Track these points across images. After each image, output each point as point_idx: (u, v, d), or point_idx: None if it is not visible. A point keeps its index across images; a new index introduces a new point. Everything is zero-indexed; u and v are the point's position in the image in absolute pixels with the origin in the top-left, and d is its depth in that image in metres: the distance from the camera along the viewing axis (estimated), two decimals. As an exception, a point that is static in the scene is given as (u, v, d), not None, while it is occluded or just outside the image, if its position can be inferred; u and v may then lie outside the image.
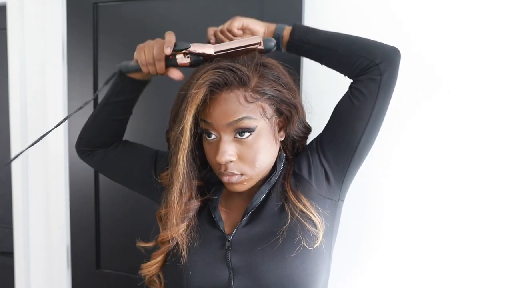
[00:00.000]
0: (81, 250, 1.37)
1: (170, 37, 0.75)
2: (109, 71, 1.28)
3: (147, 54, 0.76)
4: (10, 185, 1.48)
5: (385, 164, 1.03)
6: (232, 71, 0.67)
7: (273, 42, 0.75)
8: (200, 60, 0.76)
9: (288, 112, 0.73)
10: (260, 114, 0.69)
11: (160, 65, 0.76)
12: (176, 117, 0.71)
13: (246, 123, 0.68)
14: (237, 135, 0.69)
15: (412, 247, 1.02)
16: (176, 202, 0.72)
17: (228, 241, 0.73)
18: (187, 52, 0.75)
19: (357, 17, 1.02)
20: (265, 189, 0.76)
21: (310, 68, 1.04)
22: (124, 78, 0.84)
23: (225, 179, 0.72)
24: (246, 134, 0.69)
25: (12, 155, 1.45)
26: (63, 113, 1.35)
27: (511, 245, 0.95)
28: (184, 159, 0.69)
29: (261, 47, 0.74)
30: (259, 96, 0.69)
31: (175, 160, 0.70)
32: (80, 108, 0.84)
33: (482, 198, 0.96)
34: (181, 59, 0.76)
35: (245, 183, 0.73)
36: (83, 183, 1.33)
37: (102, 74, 1.29)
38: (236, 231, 0.73)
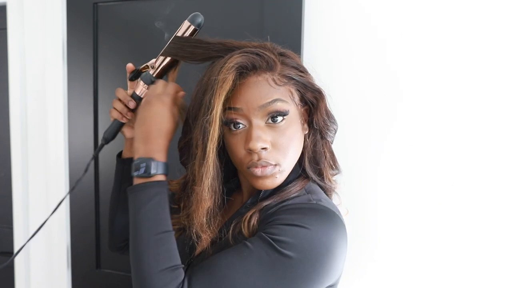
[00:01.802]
0: (81, 250, 1.37)
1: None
2: (109, 71, 1.28)
3: (115, 105, 0.80)
4: (10, 185, 1.48)
5: (379, 166, 1.03)
6: (258, 55, 0.63)
7: (199, 17, 0.74)
8: (153, 79, 0.78)
9: (313, 99, 0.69)
10: (290, 98, 0.65)
11: (132, 103, 0.79)
12: (198, 111, 0.65)
13: (280, 106, 0.63)
14: (269, 120, 0.64)
15: (409, 250, 1.02)
16: (208, 198, 0.64)
17: (189, 262, 0.70)
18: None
19: (356, 16, 1.02)
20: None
21: (310, 64, 1.05)
22: (123, 162, 0.84)
23: (257, 171, 0.64)
24: (279, 119, 0.64)
25: (12, 154, 1.45)
26: (63, 113, 1.35)
27: (508, 245, 0.95)
28: (214, 150, 0.63)
29: (192, 26, 0.74)
30: (286, 80, 0.65)
31: (202, 154, 0.63)
32: (73, 188, 0.81)
33: (476, 199, 0.96)
34: (140, 88, 0.79)
35: (277, 176, 0.65)
36: (83, 183, 1.33)
37: (102, 74, 1.29)
38: (200, 255, 0.69)
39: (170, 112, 0.70)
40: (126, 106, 0.80)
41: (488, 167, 0.96)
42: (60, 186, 1.37)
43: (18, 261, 1.48)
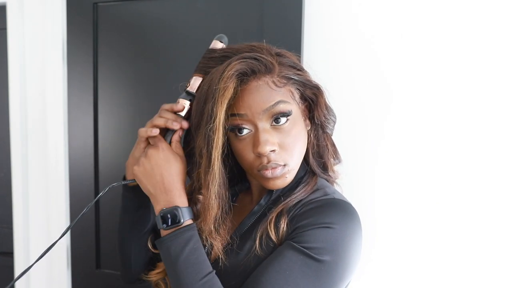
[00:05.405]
0: (81, 250, 1.37)
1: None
2: (109, 71, 1.28)
3: (165, 115, 0.73)
4: (10, 185, 1.48)
5: (376, 165, 1.03)
6: (256, 59, 0.64)
7: (223, 38, 0.74)
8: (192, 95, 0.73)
9: (313, 95, 0.70)
10: (291, 97, 0.66)
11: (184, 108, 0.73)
12: (201, 120, 0.66)
13: (283, 107, 0.64)
14: (274, 122, 0.65)
15: (407, 251, 1.02)
16: (215, 206, 0.65)
17: None
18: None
19: (356, 17, 1.02)
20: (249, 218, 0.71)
21: (309, 62, 1.05)
22: (129, 189, 0.78)
23: (268, 173, 0.65)
24: (283, 120, 0.65)
25: (12, 155, 1.45)
26: (63, 113, 1.35)
27: (504, 242, 0.95)
28: (219, 158, 0.63)
29: (222, 44, 0.73)
30: (285, 81, 0.66)
31: (207, 162, 0.64)
32: (81, 215, 0.72)
33: (474, 195, 0.97)
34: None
35: (287, 176, 0.67)
36: (83, 183, 1.33)
37: (102, 74, 1.29)
38: (213, 263, 0.69)
39: (171, 152, 0.70)
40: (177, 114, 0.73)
41: (485, 163, 0.96)
42: (60, 186, 1.37)
43: (18, 261, 1.48)
